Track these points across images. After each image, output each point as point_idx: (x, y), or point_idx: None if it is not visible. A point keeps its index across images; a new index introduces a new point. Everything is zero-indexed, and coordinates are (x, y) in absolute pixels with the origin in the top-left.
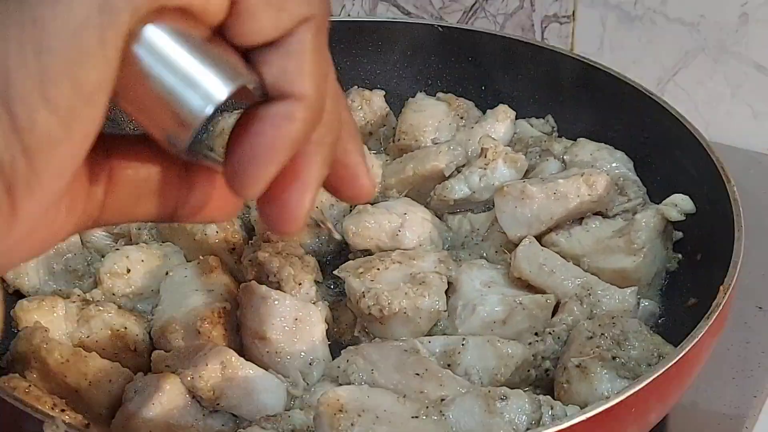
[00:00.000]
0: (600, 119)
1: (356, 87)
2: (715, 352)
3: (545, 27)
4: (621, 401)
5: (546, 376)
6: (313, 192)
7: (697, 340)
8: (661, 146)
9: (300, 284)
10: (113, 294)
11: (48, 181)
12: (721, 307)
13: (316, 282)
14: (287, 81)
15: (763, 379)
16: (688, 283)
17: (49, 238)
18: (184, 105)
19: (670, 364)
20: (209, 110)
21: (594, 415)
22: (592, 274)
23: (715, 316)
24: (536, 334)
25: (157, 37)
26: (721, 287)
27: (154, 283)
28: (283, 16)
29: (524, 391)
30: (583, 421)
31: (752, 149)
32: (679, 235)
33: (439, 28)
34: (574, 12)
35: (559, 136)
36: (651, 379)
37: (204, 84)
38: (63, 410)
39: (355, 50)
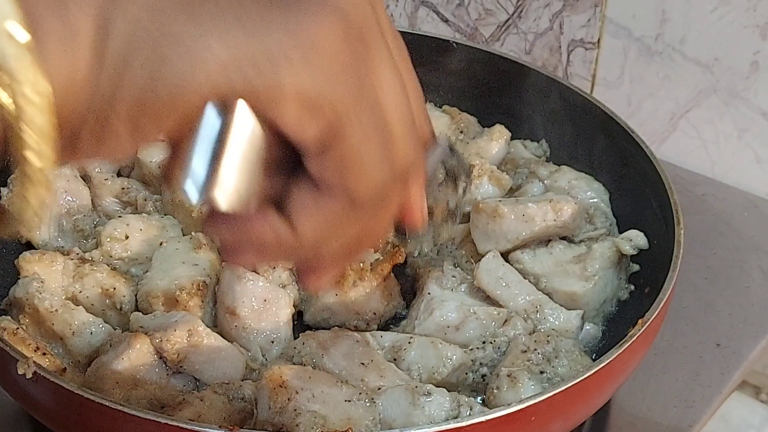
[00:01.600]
0: (589, 150)
1: None
2: (665, 376)
3: (571, 50)
4: (520, 409)
5: (483, 381)
6: (330, 279)
7: (600, 367)
8: (635, 183)
9: (273, 268)
10: (111, 256)
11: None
12: (634, 339)
13: (291, 269)
14: (299, 214)
15: (702, 411)
16: (634, 314)
17: None
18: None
19: (569, 385)
20: (187, 197)
21: (495, 418)
22: (546, 293)
23: (625, 347)
24: (483, 342)
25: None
26: (640, 321)
27: (148, 251)
28: (337, 182)
29: (451, 392)
30: (482, 422)
31: (752, 192)
32: (636, 267)
33: (454, 44)
34: (599, 39)
35: (548, 161)
36: (551, 394)
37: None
38: (44, 354)
39: None
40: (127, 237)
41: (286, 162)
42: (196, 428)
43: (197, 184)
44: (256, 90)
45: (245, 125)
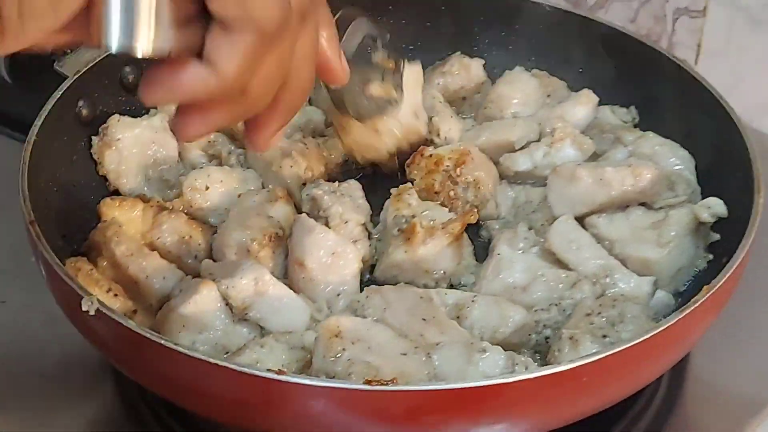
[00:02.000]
0: (677, 118)
1: (459, 53)
2: (746, 350)
3: (676, 19)
4: (570, 369)
5: (546, 343)
6: (272, 132)
7: (655, 332)
8: (723, 152)
9: (346, 222)
10: (191, 206)
11: (30, 37)
12: (696, 305)
13: (364, 225)
14: (217, 55)
15: None
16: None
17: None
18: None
19: (622, 347)
20: (112, 50)
21: (543, 376)
22: (620, 259)
23: (685, 313)
24: (550, 304)
25: None
26: (706, 287)
27: (227, 202)
28: (241, 15)
29: (508, 351)
30: (530, 379)
31: None
32: (716, 236)
33: (547, 7)
34: (705, 8)
35: (636, 127)
36: (603, 356)
37: (131, 33)
38: (116, 295)
39: (465, 19)
40: (207, 188)
41: (198, 15)
42: (246, 371)
43: (115, 34)
44: None
45: None
